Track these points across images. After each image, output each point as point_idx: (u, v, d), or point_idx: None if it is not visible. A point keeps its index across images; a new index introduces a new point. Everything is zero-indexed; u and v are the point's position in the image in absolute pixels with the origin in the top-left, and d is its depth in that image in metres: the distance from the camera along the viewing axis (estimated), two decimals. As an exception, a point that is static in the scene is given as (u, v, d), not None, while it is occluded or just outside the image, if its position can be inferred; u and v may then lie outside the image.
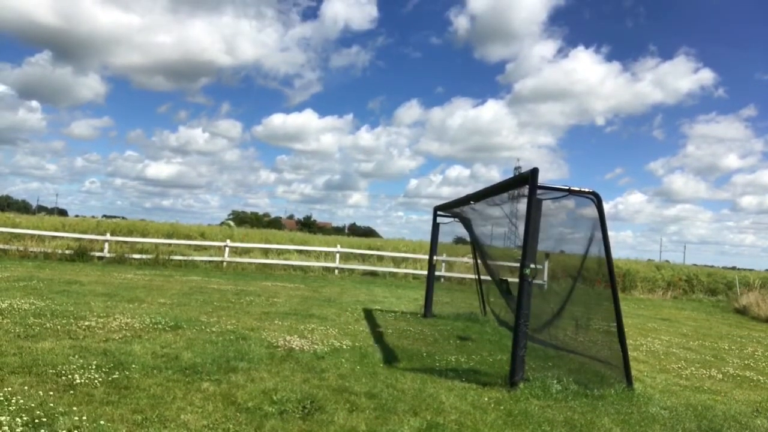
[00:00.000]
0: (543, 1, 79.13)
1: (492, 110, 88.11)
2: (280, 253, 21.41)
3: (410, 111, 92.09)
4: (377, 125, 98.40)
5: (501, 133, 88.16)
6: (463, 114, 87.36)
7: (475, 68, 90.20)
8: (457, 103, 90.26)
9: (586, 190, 5.99)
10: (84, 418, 3.80)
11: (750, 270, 30.54)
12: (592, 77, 79.38)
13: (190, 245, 20.91)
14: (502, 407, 4.94)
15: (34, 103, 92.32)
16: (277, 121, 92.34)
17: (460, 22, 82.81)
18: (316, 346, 6.88)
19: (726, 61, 78.71)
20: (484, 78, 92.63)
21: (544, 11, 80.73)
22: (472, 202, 8.90)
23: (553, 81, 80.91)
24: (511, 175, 8.08)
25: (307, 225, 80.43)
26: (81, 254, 17.90)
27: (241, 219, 72.85)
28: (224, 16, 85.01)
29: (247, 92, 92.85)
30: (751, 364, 8.51)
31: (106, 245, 18.53)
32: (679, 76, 76.46)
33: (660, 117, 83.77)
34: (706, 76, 77.43)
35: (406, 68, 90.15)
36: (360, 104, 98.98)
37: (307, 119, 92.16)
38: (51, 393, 4.29)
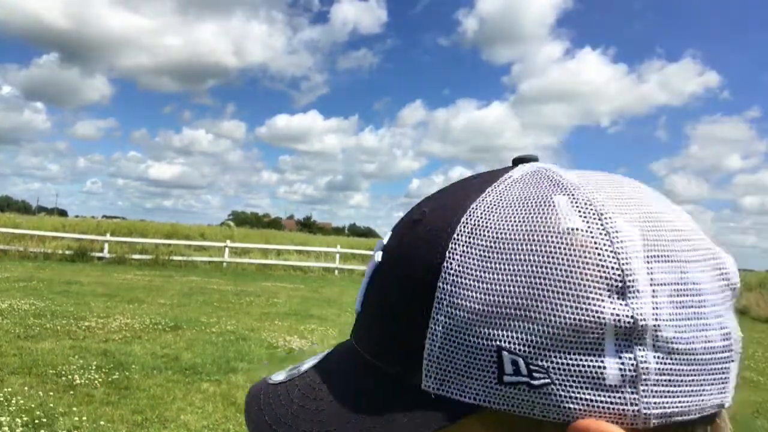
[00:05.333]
0: (552, 3, 79.41)
1: (496, 111, 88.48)
2: (280, 253, 21.40)
3: (415, 112, 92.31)
4: (381, 126, 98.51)
5: (504, 134, 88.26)
6: (467, 115, 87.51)
7: (481, 70, 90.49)
8: (462, 104, 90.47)
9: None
10: (84, 418, 3.80)
11: (750, 270, 30.50)
12: (597, 79, 79.65)
13: (189, 245, 20.90)
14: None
15: (39, 105, 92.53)
16: (281, 122, 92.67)
17: (469, 24, 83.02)
18: (316, 347, 6.88)
19: (732, 63, 78.96)
20: (489, 80, 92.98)
21: (553, 14, 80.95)
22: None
23: (559, 82, 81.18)
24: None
25: (307, 225, 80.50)
26: (81, 255, 17.90)
27: (241, 219, 72.94)
28: (233, 19, 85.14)
29: (254, 94, 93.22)
30: (751, 365, 8.51)
31: (106, 246, 18.53)
32: (685, 78, 76.71)
33: (664, 118, 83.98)
34: (712, 78, 77.66)
35: (413, 70, 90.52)
36: (366, 106, 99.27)
37: (311, 120, 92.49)
38: (51, 393, 4.29)
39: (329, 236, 41.60)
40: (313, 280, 17.92)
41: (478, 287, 0.30)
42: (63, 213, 68.69)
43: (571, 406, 0.29)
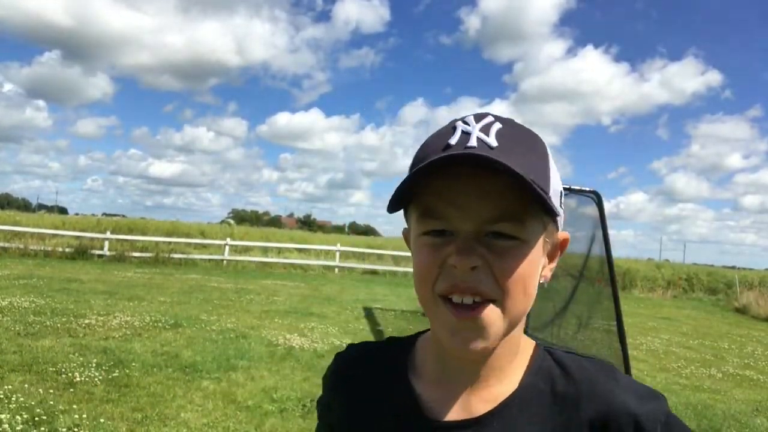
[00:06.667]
0: (554, 2, 79.49)
1: (498, 110, 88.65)
2: (280, 251, 21.39)
3: (416, 110, 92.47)
4: (382, 125, 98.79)
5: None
6: (468, 113, 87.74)
7: (483, 68, 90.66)
8: (464, 102, 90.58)
9: (587, 189, 5.98)
10: (84, 416, 3.80)
11: (750, 269, 30.48)
12: (599, 77, 79.69)
13: (190, 243, 20.88)
14: (501, 406, 4.94)
15: (41, 102, 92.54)
16: (283, 120, 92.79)
17: (471, 22, 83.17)
18: (316, 345, 6.88)
19: (734, 62, 78.94)
20: (491, 78, 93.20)
21: (555, 13, 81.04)
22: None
23: (561, 81, 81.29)
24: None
25: (307, 223, 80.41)
26: (81, 252, 17.88)
27: (241, 217, 72.86)
28: (235, 18, 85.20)
29: (255, 92, 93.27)
30: (751, 363, 8.52)
31: (106, 243, 18.53)
32: (687, 77, 76.75)
33: (665, 117, 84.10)
34: (714, 77, 77.65)
35: (415, 69, 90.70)
36: (367, 104, 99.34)
37: (313, 119, 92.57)
38: (51, 391, 4.29)
39: (329, 234, 41.58)
40: (313, 278, 17.92)
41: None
42: (63, 211, 68.64)
43: (560, 226, 0.64)
